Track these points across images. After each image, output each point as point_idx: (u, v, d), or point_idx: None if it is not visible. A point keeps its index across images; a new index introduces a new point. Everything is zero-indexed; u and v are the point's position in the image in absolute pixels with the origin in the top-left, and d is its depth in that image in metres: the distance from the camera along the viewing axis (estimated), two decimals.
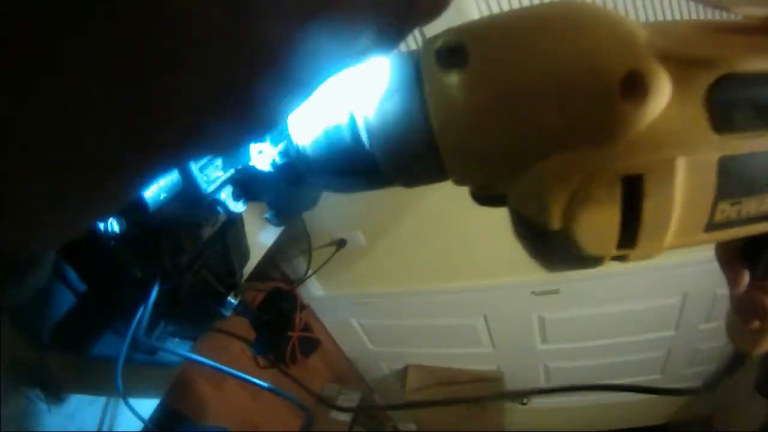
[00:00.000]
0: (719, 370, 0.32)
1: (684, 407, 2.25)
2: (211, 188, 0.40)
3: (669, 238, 0.19)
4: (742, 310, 0.27)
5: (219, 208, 0.41)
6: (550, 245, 0.19)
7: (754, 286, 0.26)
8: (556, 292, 1.71)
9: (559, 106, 0.17)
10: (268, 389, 0.55)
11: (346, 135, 0.21)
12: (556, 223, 0.18)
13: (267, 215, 0.42)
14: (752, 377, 1.47)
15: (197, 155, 0.29)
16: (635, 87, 0.17)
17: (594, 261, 0.19)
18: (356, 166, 0.21)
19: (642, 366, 1.99)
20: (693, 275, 1.56)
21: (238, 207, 0.42)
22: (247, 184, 0.42)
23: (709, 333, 1.78)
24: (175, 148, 0.12)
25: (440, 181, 0.21)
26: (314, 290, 1.93)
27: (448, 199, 1.50)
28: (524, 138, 0.18)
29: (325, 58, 0.12)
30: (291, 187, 0.38)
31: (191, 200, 0.40)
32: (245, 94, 0.11)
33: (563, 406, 2.31)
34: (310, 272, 1.70)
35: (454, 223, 1.56)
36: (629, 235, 0.19)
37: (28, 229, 0.11)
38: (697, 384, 0.33)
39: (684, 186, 0.18)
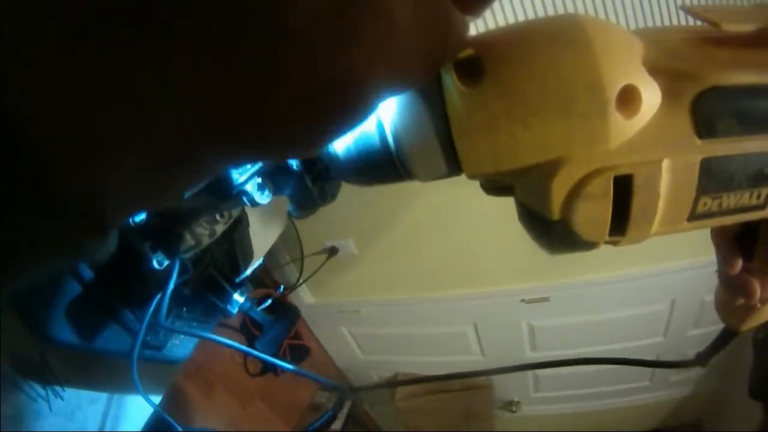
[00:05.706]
0: (710, 345, 0.36)
1: (673, 413, 2.27)
2: (241, 179, 0.40)
3: (655, 226, 0.21)
4: (731, 288, 0.30)
5: (245, 199, 0.41)
6: (551, 232, 0.21)
7: (743, 268, 0.29)
8: (545, 300, 1.73)
9: (563, 117, 0.19)
10: (297, 372, 0.56)
11: (375, 139, 0.23)
12: (556, 215, 0.20)
13: (289, 208, 0.42)
14: (740, 383, 1.49)
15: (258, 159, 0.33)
16: (629, 100, 0.19)
17: (590, 245, 0.22)
18: (383, 165, 0.23)
19: (631, 372, 2.01)
20: (681, 282, 1.58)
21: (262, 199, 0.42)
22: (272, 177, 0.42)
23: (697, 339, 1.80)
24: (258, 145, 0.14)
25: (455, 176, 0.23)
26: (305, 298, 1.93)
27: (439, 209, 1.51)
28: (530, 143, 0.20)
29: (380, 98, 0.15)
30: (315, 181, 0.39)
31: (220, 190, 0.40)
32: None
33: (554, 413, 2.32)
34: (301, 280, 1.70)
35: (444, 232, 1.57)
36: (620, 225, 0.21)
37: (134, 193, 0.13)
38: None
39: (669, 184, 0.20)
